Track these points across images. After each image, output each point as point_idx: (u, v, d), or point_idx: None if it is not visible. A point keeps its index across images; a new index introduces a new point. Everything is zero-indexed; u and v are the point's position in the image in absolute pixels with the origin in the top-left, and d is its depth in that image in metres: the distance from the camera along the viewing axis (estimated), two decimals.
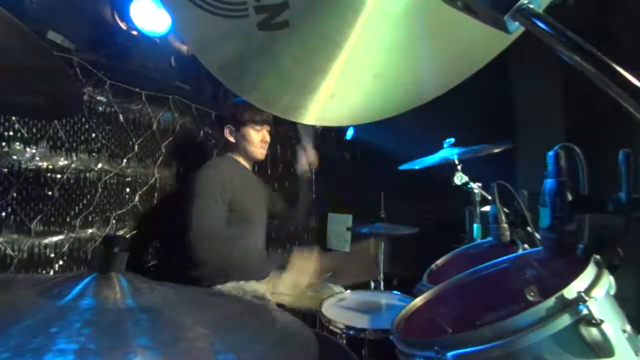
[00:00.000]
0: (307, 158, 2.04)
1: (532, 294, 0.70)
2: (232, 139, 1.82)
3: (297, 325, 0.54)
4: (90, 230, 1.57)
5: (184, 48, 1.90)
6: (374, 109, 0.66)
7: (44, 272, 1.42)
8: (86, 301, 0.42)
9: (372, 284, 1.85)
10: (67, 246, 1.49)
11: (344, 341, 1.24)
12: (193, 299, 0.57)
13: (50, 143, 1.45)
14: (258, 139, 1.81)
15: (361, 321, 1.31)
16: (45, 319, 0.38)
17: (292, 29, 0.50)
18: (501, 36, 0.35)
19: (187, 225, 1.52)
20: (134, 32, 1.65)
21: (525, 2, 0.32)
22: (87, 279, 0.45)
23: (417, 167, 1.79)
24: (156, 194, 1.85)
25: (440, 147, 1.76)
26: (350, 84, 0.60)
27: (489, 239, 1.17)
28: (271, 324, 0.53)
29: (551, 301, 0.56)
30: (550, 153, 0.59)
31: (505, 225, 1.00)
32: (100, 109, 1.62)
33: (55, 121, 1.44)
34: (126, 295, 0.45)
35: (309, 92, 0.59)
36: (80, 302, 0.42)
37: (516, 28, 0.34)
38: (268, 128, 1.84)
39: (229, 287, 1.62)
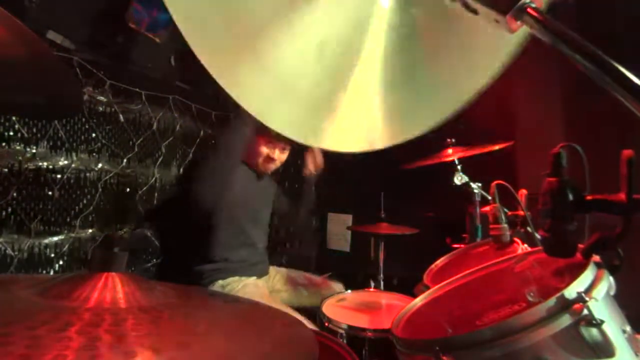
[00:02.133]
0: (314, 160, 1.98)
1: (532, 294, 0.70)
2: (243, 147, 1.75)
3: (297, 325, 0.54)
4: (90, 230, 1.57)
5: None
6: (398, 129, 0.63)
7: (44, 272, 1.42)
8: (86, 301, 0.42)
9: (372, 284, 1.85)
10: (67, 246, 1.49)
11: (344, 341, 1.24)
12: (193, 299, 0.57)
13: (50, 143, 1.45)
14: (264, 151, 1.72)
15: (361, 321, 1.31)
16: (45, 319, 0.38)
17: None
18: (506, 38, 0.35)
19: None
20: (134, 32, 1.65)
21: (527, 1, 0.32)
22: (87, 279, 0.45)
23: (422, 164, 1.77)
24: (156, 194, 1.85)
25: (440, 146, 1.76)
26: (366, 103, 0.57)
27: (489, 239, 1.17)
28: (271, 324, 0.53)
29: (551, 301, 0.56)
30: (552, 152, 0.59)
31: (505, 225, 1.00)
32: (100, 109, 1.62)
33: (55, 121, 1.44)
34: (126, 295, 0.45)
35: (322, 110, 0.55)
36: (80, 302, 0.42)
37: (517, 28, 0.34)
38: (281, 145, 1.75)
39: (230, 280, 1.63)
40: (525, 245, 1.00)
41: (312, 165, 1.97)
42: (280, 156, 1.77)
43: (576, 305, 0.55)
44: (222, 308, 0.58)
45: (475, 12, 0.35)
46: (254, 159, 1.75)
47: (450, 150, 1.71)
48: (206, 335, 0.44)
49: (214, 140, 1.93)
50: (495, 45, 0.53)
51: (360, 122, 0.60)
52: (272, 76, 0.49)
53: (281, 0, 0.46)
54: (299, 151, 2.29)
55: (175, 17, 0.39)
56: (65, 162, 1.49)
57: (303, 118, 0.54)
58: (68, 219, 1.50)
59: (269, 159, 1.74)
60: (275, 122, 0.52)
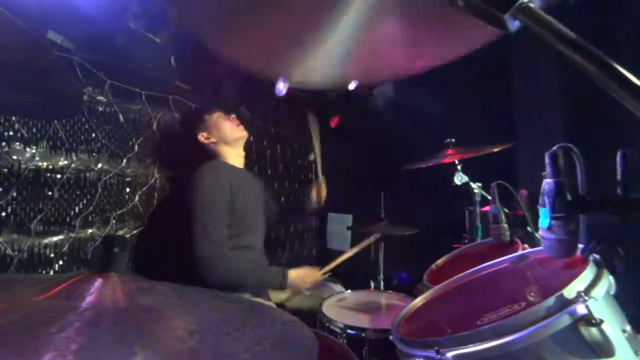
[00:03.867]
0: (318, 195, 2.10)
1: (532, 294, 0.70)
2: (211, 140, 1.77)
3: (297, 325, 0.54)
4: (90, 230, 1.57)
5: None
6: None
7: (44, 272, 1.42)
8: (86, 301, 0.42)
9: (372, 284, 1.85)
10: (67, 246, 1.49)
11: (344, 341, 1.24)
12: (193, 299, 0.57)
13: (50, 143, 1.45)
14: (233, 124, 1.79)
15: (361, 321, 1.31)
16: (45, 319, 0.38)
17: None
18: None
19: (192, 249, 1.49)
20: (134, 32, 1.65)
21: (526, 1, 0.32)
22: (87, 279, 0.45)
23: (423, 166, 1.78)
24: (156, 194, 1.85)
25: (440, 146, 1.76)
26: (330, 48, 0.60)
27: (489, 239, 1.17)
28: (271, 324, 0.53)
29: (551, 301, 0.57)
30: (548, 153, 0.59)
31: (505, 225, 1.00)
32: (100, 109, 1.62)
33: (55, 121, 1.44)
34: (126, 295, 0.45)
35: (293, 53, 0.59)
36: (80, 302, 0.42)
37: (516, 27, 0.34)
38: (234, 114, 1.84)
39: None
40: (525, 245, 1.00)
41: (317, 199, 2.10)
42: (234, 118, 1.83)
43: (576, 305, 0.55)
44: (222, 308, 0.58)
45: (475, 9, 0.35)
46: (229, 136, 1.78)
47: (450, 151, 1.71)
48: (206, 335, 0.44)
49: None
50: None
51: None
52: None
53: None
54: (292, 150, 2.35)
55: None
56: (65, 162, 1.49)
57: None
58: (68, 219, 1.50)
59: (237, 125, 1.80)
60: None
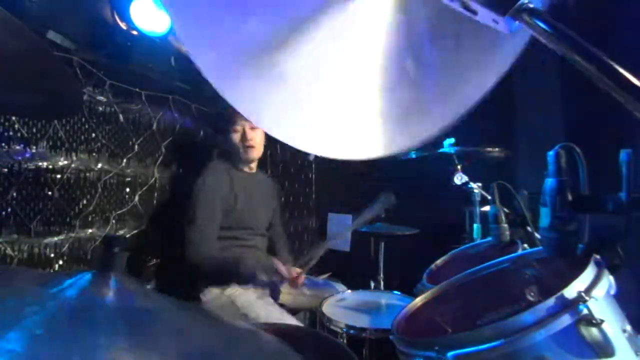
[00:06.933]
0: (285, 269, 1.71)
1: (532, 294, 0.70)
2: (225, 146, 1.80)
3: (284, 350, 0.52)
4: (90, 230, 1.57)
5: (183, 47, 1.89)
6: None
7: None
8: (83, 300, 0.42)
9: (372, 284, 1.85)
10: (67, 246, 1.49)
11: (345, 341, 1.24)
12: (187, 305, 0.56)
13: (50, 143, 1.45)
14: (238, 140, 1.73)
15: (361, 321, 1.31)
16: (44, 319, 0.38)
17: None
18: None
19: (185, 242, 1.59)
20: (134, 32, 1.65)
21: (525, 1, 0.32)
22: (86, 279, 0.45)
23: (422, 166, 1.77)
24: (156, 194, 1.85)
25: (440, 146, 1.75)
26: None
27: (489, 239, 1.17)
28: (261, 348, 0.51)
29: (551, 301, 0.56)
30: (551, 153, 0.59)
31: (505, 225, 1.00)
32: (100, 109, 1.62)
33: (55, 121, 1.44)
34: (125, 295, 0.45)
35: (324, 115, 0.53)
36: (79, 302, 0.42)
37: (516, 28, 0.34)
38: (248, 125, 1.71)
39: (225, 288, 1.61)
40: (525, 245, 1.00)
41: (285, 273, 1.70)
42: (253, 135, 1.73)
43: (576, 305, 0.55)
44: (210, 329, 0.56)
45: (474, 12, 0.35)
46: (234, 151, 1.76)
47: (450, 150, 1.71)
48: (206, 335, 0.44)
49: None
50: (500, 46, 0.52)
51: (364, 129, 0.58)
52: (286, 88, 0.48)
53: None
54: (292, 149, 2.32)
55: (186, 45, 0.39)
56: (65, 162, 1.49)
57: (312, 128, 0.53)
58: (68, 219, 1.50)
59: (245, 139, 1.72)
60: (284, 135, 0.50)
